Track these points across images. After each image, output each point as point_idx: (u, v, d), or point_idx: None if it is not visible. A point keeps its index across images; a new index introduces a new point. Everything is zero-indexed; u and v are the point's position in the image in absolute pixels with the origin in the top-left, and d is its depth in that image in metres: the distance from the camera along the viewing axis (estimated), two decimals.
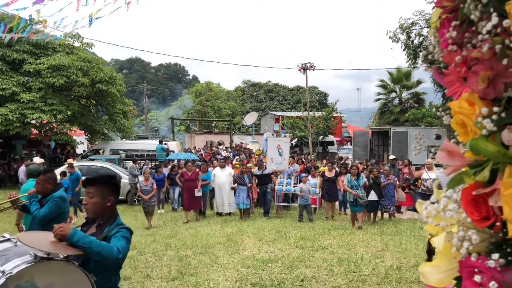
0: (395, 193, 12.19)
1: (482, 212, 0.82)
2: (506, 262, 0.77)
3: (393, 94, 34.92)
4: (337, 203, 13.48)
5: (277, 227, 10.90)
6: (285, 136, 17.38)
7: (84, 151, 25.02)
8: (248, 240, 9.44)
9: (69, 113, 20.11)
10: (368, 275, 7.04)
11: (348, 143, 37.41)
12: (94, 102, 23.54)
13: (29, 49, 19.19)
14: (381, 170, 12.42)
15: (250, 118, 38.96)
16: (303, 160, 16.82)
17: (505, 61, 0.77)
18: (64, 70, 19.09)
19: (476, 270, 0.79)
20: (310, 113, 31.53)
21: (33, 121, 18.78)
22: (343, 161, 17.47)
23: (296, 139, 34.09)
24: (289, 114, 40.45)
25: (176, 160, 16.62)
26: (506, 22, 0.75)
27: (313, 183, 13.02)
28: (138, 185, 11.90)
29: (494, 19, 0.76)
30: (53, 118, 18.96)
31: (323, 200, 13.43)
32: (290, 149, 30.33)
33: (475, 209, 0.83)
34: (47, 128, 19.70)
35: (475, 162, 0.84)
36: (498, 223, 0.81)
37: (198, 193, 12.09)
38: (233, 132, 36.28)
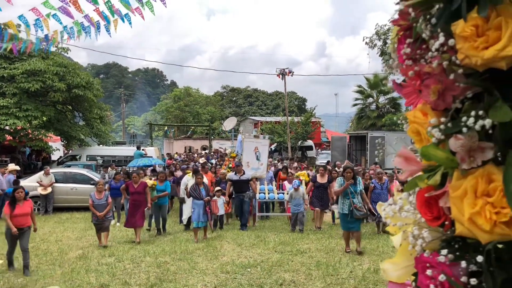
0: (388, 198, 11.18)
1: (434, 213, 0.90)
2: (454, 258, 0.85)
3: (370, 99, 35.45)
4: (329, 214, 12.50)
5: (256, 232, 10.93)
6: (264, 137, 15.26)
7: (60, 157, 24.59)
8: (228, 246, 9.45)
9: (44, 118, 19.76)
10: (345, 278, 7.15)
11: (318, 148, 37.52)
12: (70, 107, 23.23)
13: (3, 53, 18.84)
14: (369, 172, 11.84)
15: (229, 123, 38.92)
16: (286, 167, 14.94)
17: (452, 76, 0.85)
18: (40, 75, 18.81)
19: (428, 265, 0.86)
20: (289, 118, 31.78)
21: (7, 127, 18.41)
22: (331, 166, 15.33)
23: (275, 144, 34.27)
24: (268, 119, 40.61)
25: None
26: (451, 41, 0.84)
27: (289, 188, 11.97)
28: (90, 198, 9.90)
29: (441, 38, 0.84)
30: (28, 124, 18.61)
31: (313, 208, 11.78)
32: (270, 154, 30.56)
33: (428, 210, 0.91)
34: (21, 134, 19.34)
35: (429, 167, 0.91)
36: (447, 222, 0.89)
37: (147, 211, 10.34)
38: (212, 137, 36.23)
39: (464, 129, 0.80)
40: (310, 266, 7.78)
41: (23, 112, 18.30)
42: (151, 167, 16.12)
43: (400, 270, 1.00)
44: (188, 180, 11.11)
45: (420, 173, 0.93)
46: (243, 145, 13.79)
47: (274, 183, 13.49)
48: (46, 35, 7.29)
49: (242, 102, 66.76)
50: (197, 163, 17.88)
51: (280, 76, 29.18)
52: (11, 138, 19.74)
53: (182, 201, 12.17)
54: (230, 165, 13.69)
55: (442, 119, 0.85)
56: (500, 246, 0.82)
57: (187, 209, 11.16)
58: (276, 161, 21.08)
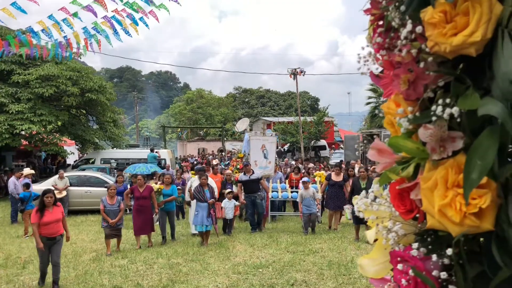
0: None
1: (407, 206, 0.88)
2: (427, 251, 0.82)
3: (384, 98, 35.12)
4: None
5: (268, 232, 10.91)
6: (271, 135, 14.65)
7: (75, 161, 24.92)
8: (240, 246, 9.45)
9: (59, 123, 20.07)
10: (358, 277, 7.09)
11: (330, 149, 37.13)
12: (84, 111, 23.55)
13: (18, 59, 19.16)
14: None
15: (242, 124, 38.94)
16: (298, 167, 14.55)
17: (422, 64, 0.82)
18: (53, 80, 19.09)
19: (399, 259, 0.84)
20: (302, 118, 31.67)
21: (23, 132, 18.71)
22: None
23: (288, 144, 34.19)
24: (281, 119, 40.55)
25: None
26: (418, 29, 0.81)
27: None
28: (101, 203, 9.35)
29: (409, 26, 0.82)
30: (43, 129, 18.90)
31: (327, 208, 11.54)
32: (282, 154, 30.45)
33: (401, 203, 0.89)
34: (36, 139, 19.65)
35: (403, 159, 0.89)
36: (418, 215, 0.87)
37: (155, 218, 9.79)
38: (225, 139, 36.33)
39: (434, 118, 0.78)
40: (322, 266, 7.75)
41: (37, 117, 18.59)
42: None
43: (377, 266, 0.98)
44: (192, 182, 10.51)
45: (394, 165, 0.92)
46: (251, 144, 13.30)
47: (287, 182, 13.11)
48: (65, 36, 7.38)
49: (255, 103, 66.74)
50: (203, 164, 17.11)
51: (292, 76, 29.10)
52: (26, 143, 20.06)
53: (188, 204, 11.60)
54: (238, 166, 13.28)
55: (410, 109, 0.83)
56: (481, 239, 0.80)
57: (192, 213, 10.46)
58: (293, 162, 20.91)
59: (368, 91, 35.78)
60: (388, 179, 0.92)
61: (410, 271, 0.79)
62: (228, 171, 12.85)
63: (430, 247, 0.82)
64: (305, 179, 11.04)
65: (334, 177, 11.19)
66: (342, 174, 11.30)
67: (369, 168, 11.50)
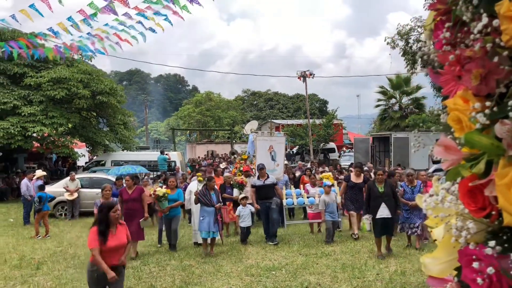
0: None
1: (479, 203, 0.86)
2: (503, 249, 0.81)
3: (393, 100, 34.98)
4: None
5: (280, 235, 10.86)
6: (279, 134, 13.73)
7: (86, 163, 25.08)
8: (252, 248, 9.43)
9: (70, 125, 20.20)
10: (372, 280, 7.05)
11: (341, 151, 36.90)
12: (95, 114, 23.70)
13: (30, 62, 19.34)
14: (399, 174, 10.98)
15: (250, 127, 38.92)
16: (310, 169, 14.02)
17: (496, 59, 0.81)
18: (65, 82, 19.23)
19: (474, 257, 0.83)
20: (311, 120, 31.62)
21: (34, 134, 18.86)
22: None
23: (297, 147, 34.14)
24: (290, 122, 40.46)
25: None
26: (495, 22, 0.80)
27: (313, 193, 11.24)
28: (94, 207, 8.32)
29: (484, 19, 0.81)
30: (54, 131, 19.04)
31: (347, 212, 10.77)
32: (291, 157, 30.37)
33: (472, 200, 0.87)
34: (48, 141, 19.78)
35: (471, 156, 0.88)
36: (493, 213, 0.85)
37: (143, 223, 8.91)
38: (234, 141, 36.36)
39: (511, 114, 0.77)
40: (335, 269, 7.70)
41: (49, 119, 18.74)
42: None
43: (441, 265, 0.96)
44: (198, 186, 9.56)
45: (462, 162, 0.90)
46: (257, 145, 12.37)
47: (299, 187, 12.58)
48: (89, 33, 7.46)
49: (263, 105, 66.70)
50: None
51: (301, 78, 29.10)
52: (38, 145, 20.21)
53: (188, 212, 10.78)
54: (241, 168, 12.36)
55: (488, 103, 0.82)
56: None
57: (196, 220, 9.53)
58: (307, 164, 20.82)
59: (377, 94, 35.66)
60: (457, 175, 0.91)
61: (489, 270, 0.78)
62: (227, 174, 12.15)
63: (506, 245, 0.81)
64: (327, 182, 10.28)
65: (354, 179, 10.50)
66: (362, 175, 10.61)
67: (386, 170, 11.19)
